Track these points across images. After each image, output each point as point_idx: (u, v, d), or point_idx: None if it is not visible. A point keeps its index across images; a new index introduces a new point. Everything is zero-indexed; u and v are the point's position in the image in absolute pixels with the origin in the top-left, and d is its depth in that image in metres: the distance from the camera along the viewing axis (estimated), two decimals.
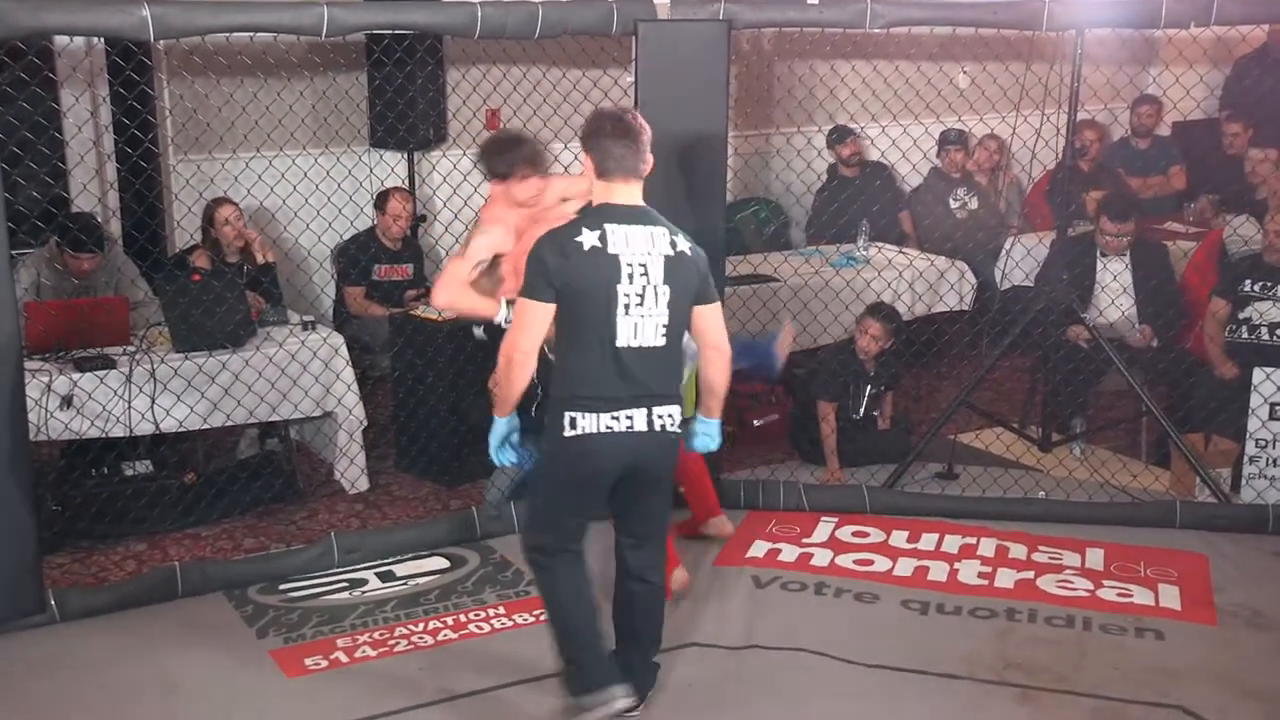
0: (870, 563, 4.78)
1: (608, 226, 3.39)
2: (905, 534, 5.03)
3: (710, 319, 3.57)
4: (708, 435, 3.71)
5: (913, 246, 7.20)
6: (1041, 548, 4.90)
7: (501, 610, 4.38)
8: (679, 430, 3.52)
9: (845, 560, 4.80)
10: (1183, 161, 7.77)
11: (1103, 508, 5.20)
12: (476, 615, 4.35)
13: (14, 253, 4.29)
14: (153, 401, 4.84)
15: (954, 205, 7.51)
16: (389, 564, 4.70)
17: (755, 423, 6.23)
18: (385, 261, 6.37)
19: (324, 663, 4.02)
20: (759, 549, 4.89)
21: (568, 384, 3.44)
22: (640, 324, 3.40)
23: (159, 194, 6.19)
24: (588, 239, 3.37)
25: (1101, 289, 5.92)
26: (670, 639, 4.15)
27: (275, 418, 5.22)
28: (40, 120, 4.63)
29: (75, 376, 4.73)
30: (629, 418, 3.42)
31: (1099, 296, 5.92)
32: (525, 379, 3.43)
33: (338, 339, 5.35)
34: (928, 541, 4.97)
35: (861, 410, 5.78)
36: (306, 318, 5.43)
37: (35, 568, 4.22)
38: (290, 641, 4.16)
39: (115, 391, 4.77)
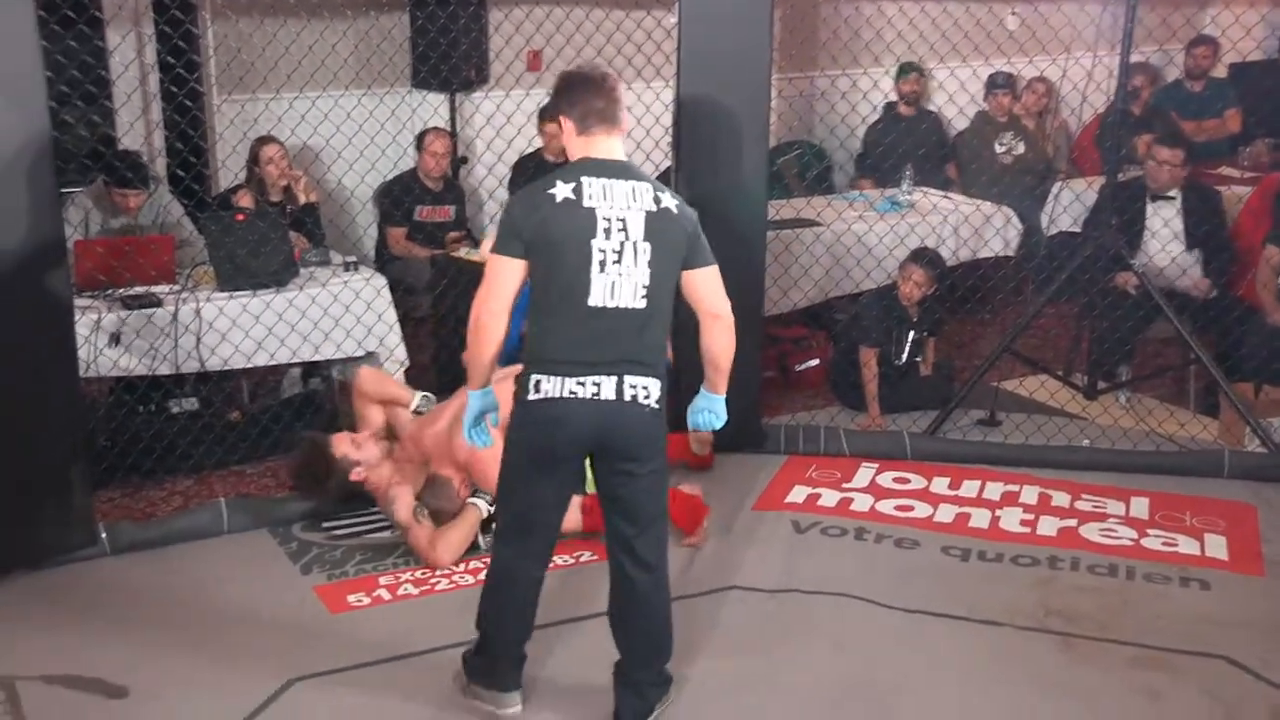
0: (911, 509, 4.75)
1: (584, 179, 3.14)
2: (946, 481, 4.99)
3: (706, 284, 3.26)
4: (711, 412, 3.39)
5: (957, 192, 7.10)
6: (1085, 496, 4.86)
7: None
8: (658, 405, 3.20)
9: (886, 506, 4.78)
10: (1239, 104, 7.59)
11: (1148, 456, 5.14)
12: None
13: (62, 191, 4.30)
14: (198, 340, 4.86)
15: (999, 150, 7.39)
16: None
17: (796, 367, 6.20)
18: (427, 203, 6.36)
19: (366, 599, 4.06)
20: (799, 494, 4.87)
21: (536, 345, 3.18)
22: (617, 283, 3.12)
23: (204, 133, 6.20)
24: (561, 190, 3.11)
25: (1151, 234, 5.81)
26: (710, 582, 4.17)
27: (318, 358, 5.23)
28: (87, 59, 4.63)
29: (123, 314, 4.76)
30: (595, 384, 3.12)
31: (1148, 242, 5.81)
32: (496, 343, 3.15)
33: (380, 280, 5.34)
34: (969, 488, 4.93)
35: (904, 356, 5.73)
36: (349, 258, 5.43)
37: (87, 502, 4.27)
38: (334, 578, 4.20)
39: (162, 329, 4.80)
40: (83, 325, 4.50)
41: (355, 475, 4.39)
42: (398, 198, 6.24)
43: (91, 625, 3.87)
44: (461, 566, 4.26)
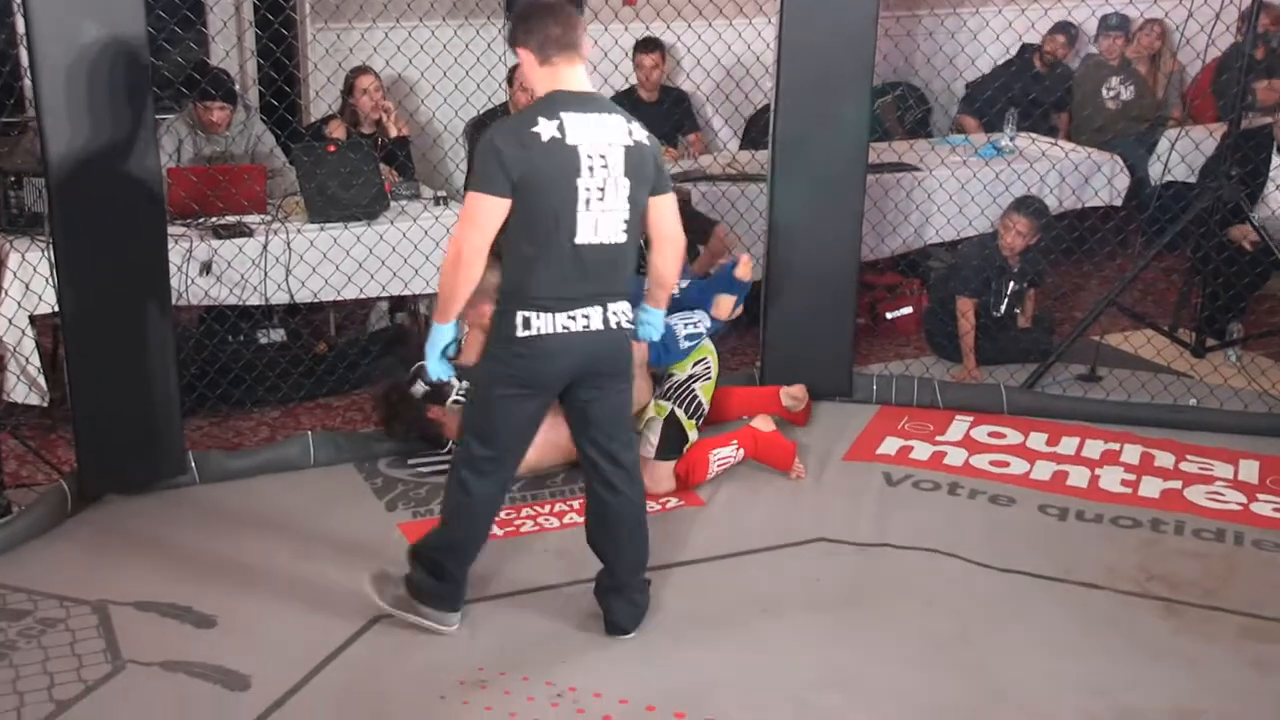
0: (1006, 464, 4.62)
1: (565, 115, 3.11)
2: (1044, 437, 4.85)
3: (666, 208, 3.33)
4: (651, 325, 3.48)
5: (1062, 139, 6.86)
6: (1190, 457, 4.68)
7: None
8: (630, 324, 3.32)
9: (980, 461, 4.65)
10: None
11: (1259, 418, 4.94)
12: None
13: (157, 117, 4.29)
14: (288, 271, 4.85)
15: (1107, 95, 7.13)
16: None
17: (887, 315, 6.06)
18: None
19: None
20: (890, 446, 4.76)
21: (522, 283, 3.17)
22: (601, 219, 3.16)
23: (298, 62, 6.17)
24: (546, 129, 3.08)
25: (1276, 187, 5.54)
26: (798, 533, 4.10)
27: (406, 292, 5.20)
28: None
29: (214, 244, 4.76)
30: (585, 317, 3.20)
31: (1271, 195, 5.55)
32: (474, 280, 3.15)
33: None
34: (1067, 445, 4.78)
35: (1003, 308, 5.56)
36: (439, 193, 5.38)
37: (177, 430, 4.30)
38: (419, 516, 4.18)
39: (252, 260, 4.79)
40: (175, 254, 4.50)
41: (433, 413, 4.38)
42: None
43: (182, 554, 3.90)
44: (547, 509, 4.22)
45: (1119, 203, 6.44)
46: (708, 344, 4.65)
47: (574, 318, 3.19)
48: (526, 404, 3.28)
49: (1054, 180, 6.15)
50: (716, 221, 5.38)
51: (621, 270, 3.27)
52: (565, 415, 3.42)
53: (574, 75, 3.20)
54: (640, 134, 3.24)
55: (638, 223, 3.27)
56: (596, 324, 3.22)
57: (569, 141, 3.11)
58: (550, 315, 3.17)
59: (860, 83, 4.77)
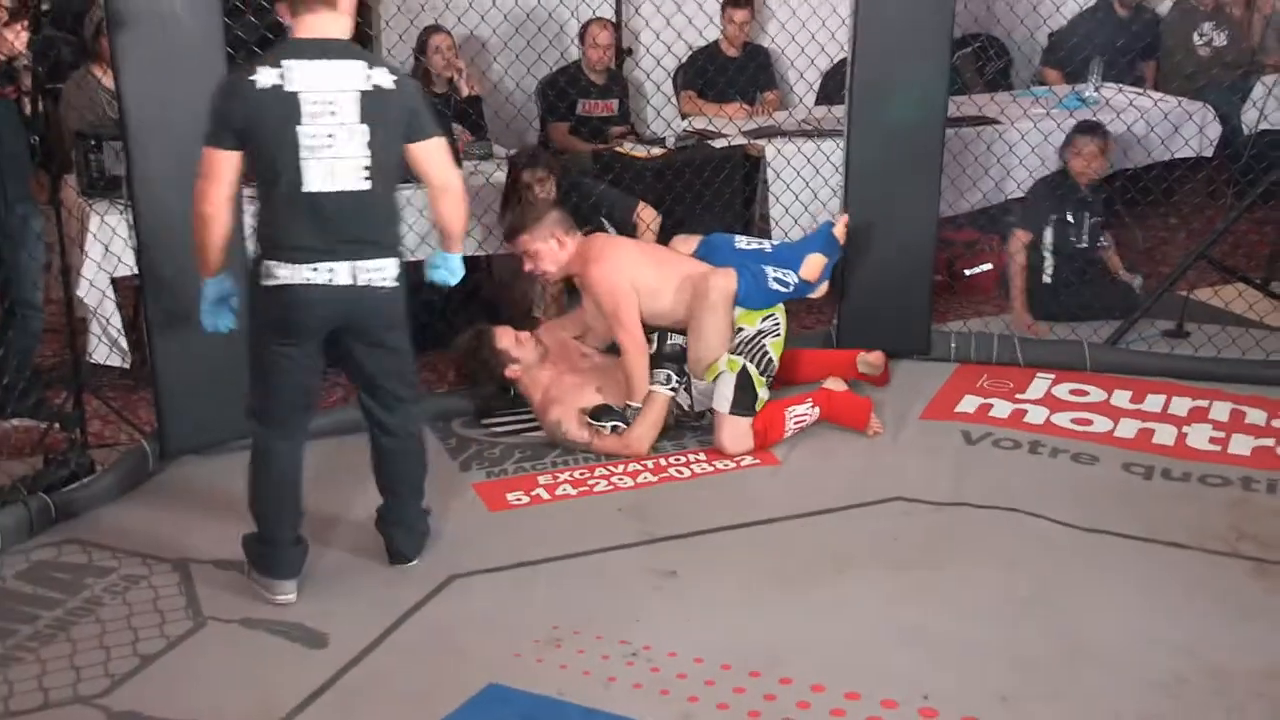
0: (1089, 422, 4.53)
1: (288, 62, 3.12)
2: (1128, 394, 4.75)
3: (429, 156, 3.29)
4: (446, 270, 3.50)
5: (1150, 87, 6.68)
6: None
7: (702, 456, 4.31)
8: (396, 283, 3.28)
9: (1062, 419, 4.56)
10: None
11: None
12: (676, 460, 4.29)
13: None
14: None
15: (1198, 41, 6.91)
16: None
17: (966, 272, 5.97)
18: (591, 96, 6.25)
19: (525, 499, 4.05)
20: (969, 404, 4.69)
21: (265, 232, 3.24)
22: (335, 166, 3.15)
23: (370, 20, 6.17)
24: (264, 77, 3.11)
25: None
26: (875, 492, 4.06)
27: (480, 252, 5.21)
28: None
29: None
30: (330, 270, 3.19)
31: None
32: (223, 233, 3.21)
33: (552, 162, 5.25)
34: (1153, 403, 4.68)
35: (1084, 238, 5.41)
36: (511, 152, 5.37)
37: None
38: (492, 476, 4.20)
39: None
40: (250, 215, 4.53)
41: (510, 372, 4.40)
42: (561, 91, 6.15)
43: (221, 514, 3.92)
44: (620, 469, 4.21)
45: (1209, 153, 6.26)
46: (780, 303, 4.53)
47: (317, 269, 3.19)
48: (290, 351, 3.29)
49: (1141, 130, 5.98)
50: (637, 200, 5.21)
51: (371, 220, 3.25)
52: (339, 361, 3.45)
53: (318, 23, 3.19)
54: (384, 79, 3.20)
55: (390, 170, 3.26)
56: (343, 279, 3.22)
57: (288, 89, 3.12)
58: (294, 266, 3.19)
59: (939, 34, 4.68)
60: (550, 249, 4.37)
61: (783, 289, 4.45)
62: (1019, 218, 5.39)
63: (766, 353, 4.32)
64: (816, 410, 4.40)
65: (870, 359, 4.68)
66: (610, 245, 4.47)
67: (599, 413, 4.28)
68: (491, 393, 4.58)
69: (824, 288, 4.61)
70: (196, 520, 3.89)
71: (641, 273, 4.34)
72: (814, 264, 4.51)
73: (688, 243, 4.62)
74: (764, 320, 4.39)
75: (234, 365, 4.15)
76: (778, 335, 4.40)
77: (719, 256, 4.46)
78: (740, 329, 4.36)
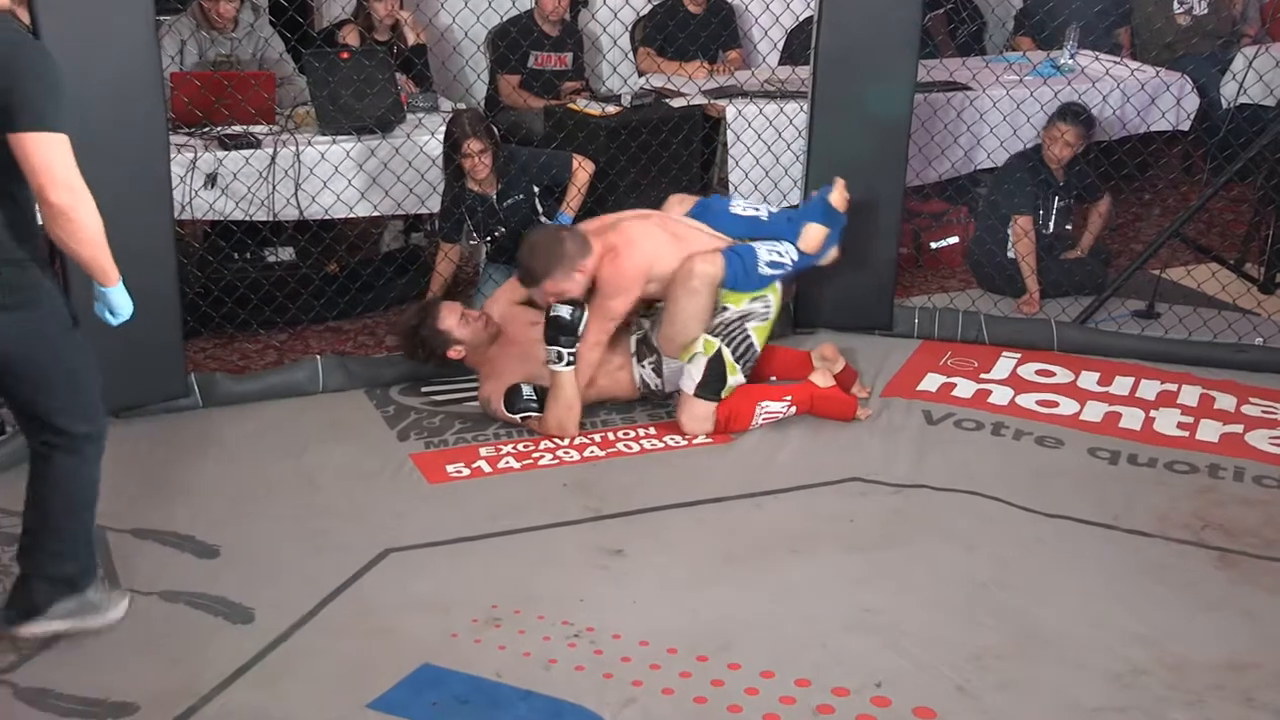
0: (1055, 404, 4.59)
1: None
2: (1096, 376, 4.81)
3: (32, 154, 2.69)
4: (104, 305, 2.97)
5: (1126, 57, 6.74)
6: (1254, 400, 4.64)
7: (652, 431, 4.33)
8: (12, 303, 2.82)
9: (1027, 400, 4.62)
10: None
11: None
12: (625, 435, 4.31)
13: (158, 19, 4.26)
14: (297, 185, 4.84)
15: (1177, 10, 6.99)
16: None
17: (932, 245, 6.01)
18: (544, 49, 6.21)
19: (466, 471, 4.05)
20: (931, 382, 4.73)
21: None
22: None
23: None
24: None
25: None
26: (830, 472, 4.09)
27: (423, 210, 5.19)
28: None
29: (219, 154, 4.75)
30: None
31: None
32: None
33: (491, 130, 5.25)
34: (1121, 385, 4.75)
35: (1051, 224, 5.48)
36: (458, 105, 5.34)
37: (178, 350, 4.31)
38: (432, 446, 4.20)
39: (260, 173, 4.78)
40: (178, 164, 4.49)
41: (453, 353, 4.36)
42: (513, 42, 6.10)
43: (183, 480, 3.93)
44: (566, 442, 4.22)
45: (1186, 126, 6.33)
46: (775, 283, 4.37)
47: None
48: None
49: (1116, 101, 6.05)
50: (571, 154, 5.13)
51: None
52: None
53: None
54: None
55: None
56: None
57: None
58: None
59: None
60: (576, 282, 4.19)
61: (778, 270, 4.31)
62: (1013, 203, 5.43)
63: (748, 338, 4.25)
64: (793, 409, 4.35)
65: (822, 351, 4.57)
66: (639, 232, 4.30)
67: (511, 396, 4.25)
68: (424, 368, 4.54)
69: (834, 253, 4.49)
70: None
71: (662, 259, 4.22)
72: (813, 235, 4.38)
73: (683, 203, 4.55)
74: (753, 301, 4.28)
75: (152, 322, 4.09)
76: (764, 319, 4.30)
77: (714, 222, 4.41)
78: (724, 309, 4.26)
